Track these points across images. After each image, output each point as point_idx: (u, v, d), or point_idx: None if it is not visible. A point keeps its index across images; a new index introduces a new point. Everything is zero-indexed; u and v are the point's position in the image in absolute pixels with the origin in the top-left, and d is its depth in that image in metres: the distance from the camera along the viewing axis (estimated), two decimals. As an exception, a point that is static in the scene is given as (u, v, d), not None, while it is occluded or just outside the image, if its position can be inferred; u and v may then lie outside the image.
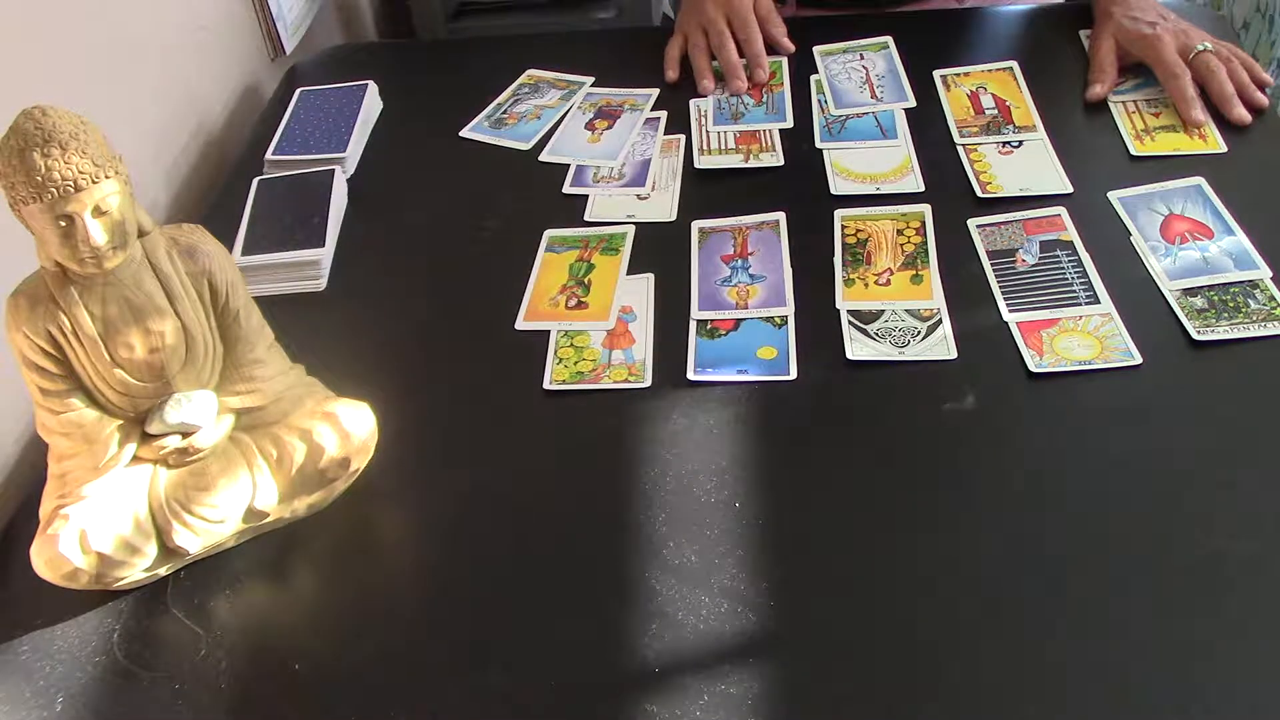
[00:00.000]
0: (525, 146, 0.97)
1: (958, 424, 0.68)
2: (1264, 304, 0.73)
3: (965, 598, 0.59)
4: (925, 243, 0.81)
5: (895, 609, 0.59)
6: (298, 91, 1.04)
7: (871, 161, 0.90)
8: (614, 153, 0.95)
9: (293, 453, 0.63)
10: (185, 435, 0.61)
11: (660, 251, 0.84)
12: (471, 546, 0.65)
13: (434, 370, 0.77)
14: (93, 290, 0.57)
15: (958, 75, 0.99)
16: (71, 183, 0.52)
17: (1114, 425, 0.67)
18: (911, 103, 0.96)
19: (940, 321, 0.75)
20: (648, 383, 0.73)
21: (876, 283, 0.78)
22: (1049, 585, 0.59)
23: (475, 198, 0.92)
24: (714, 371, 0.73)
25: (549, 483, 0.68)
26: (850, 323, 0.75)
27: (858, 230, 0.83)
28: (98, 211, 0.54)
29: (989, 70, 0.99)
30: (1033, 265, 0.78)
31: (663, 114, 0.99)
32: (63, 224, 0.53)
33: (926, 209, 0.84)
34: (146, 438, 0.62)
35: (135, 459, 0.62)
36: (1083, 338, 0.72)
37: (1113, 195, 0.83)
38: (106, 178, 0.54)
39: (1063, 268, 0.78)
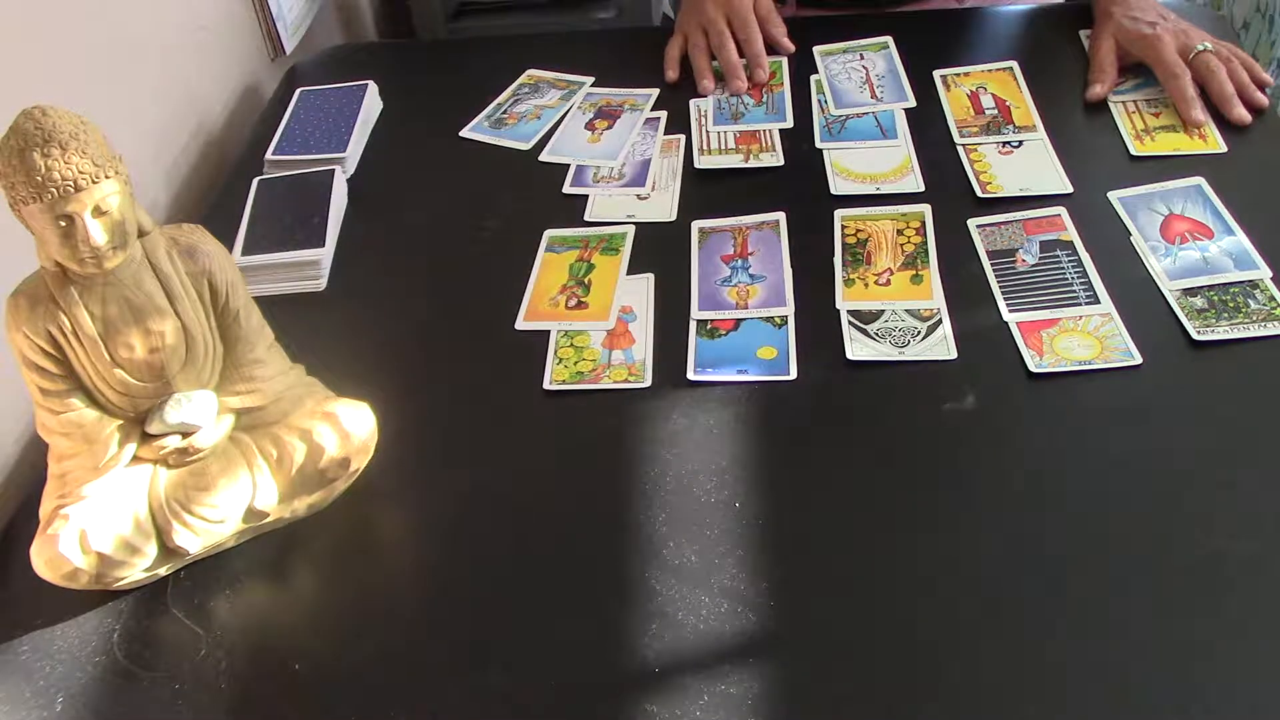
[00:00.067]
0: (525, 146, 0.97)
1: (958, 424, 0.68)
2: (1264, 304, 0.73)
3: (965, 598, 0.59)
4: (925, 243, 0.81)
5: (895, 609, 0.59)
6: (298, 91, 1.04)
7: (871, 161, 0.90)
8: (614, 153, 0.95)
9: (293, 453, 0.63)
10: (185, 435, 0.61)
11: (660, 251, 0.84)
12: (471, 546, 0.65)
13: (434, 370, 0.77)
14: (93, 290, 0.57)
15: (958, 75, 0.99)
16: (71, 183, 0.52)
17: (1114, 425, 0.67)
18: (911, 103, 0.96)
19: (940, 321, 0.75)
20: (648, 383, 0.73)
21: (876, 283, 0.78)
22: (1049, 585, 0.59)
23: (475, 198, 0.92)
24: (714, 371, 0.73)
25: (549, 483, 0.68)
26: (850, 323, 0.75)
27: (858, 230, 0.83)
28: (98, 211, 0.54)
29: (989, 70, 0.99)
30: (1033, 265, 0.78)
31: (663, 114, 0.99)
32: (63, 224, 0.53)
33: (926, 209, 0.84)
34: (146, 438, 0.62)
35: (135, 459, 0.62)
36: (1083, 338, 0.72)
37: (1113, 195, 0.83)
38: (106, 178, 0.54)
39: (1063, 268, 0.78)
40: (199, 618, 0.62)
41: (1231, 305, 0.73)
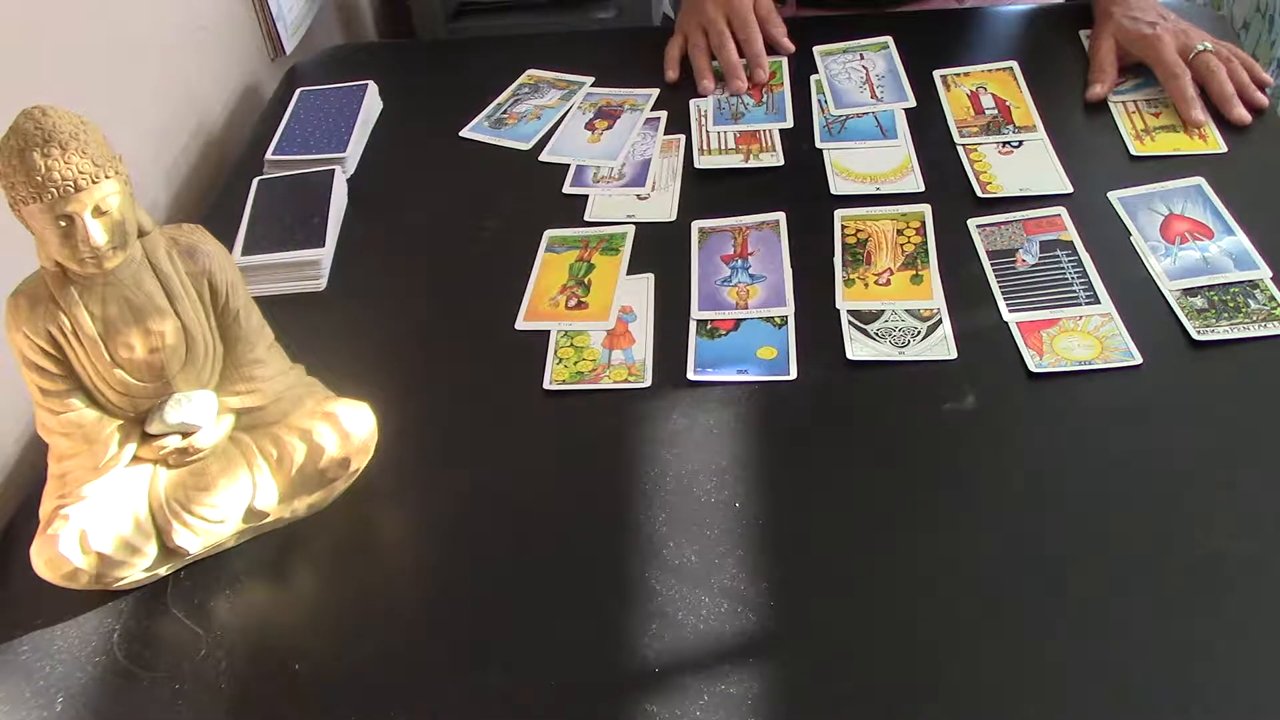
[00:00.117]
0: (525, 146, 0.97)
1: (958, 424, 0.68)
2: (1264, 304, 0.73)
3: (965, 598, 0.59)
4: (925, 243, 0.81)
5: (895, 609, 0.59)
6: (298, 91, 1.04)
7: (871, 161, 0.90)
8: (614, 153, 0.95)
9: (293, 453, 0.63)
10: (185, 435, 0.61)
11: (660, 251, 0.84)
12: (471, 546, 0.65)
13: (434, 370, 0.77)
14: (93, 290, 0.57)
15: (958, 75, 0.99)
16: (71, 183, 0.52)
17: (1114, 425, 0.67)
18: (911, 103, 0.96)
19: (940, 321, 0.75)
20: (648, 383, 0.73)
21: (876, 283, 0.78)
22: (1049, 585, 0.59)
23: (475, 198, 0.92)
24: (714, 371, 0.73)
25: (549, 483, 0.68)
26: (850, 323, 0.75)
27: (858, 230, 0.83)
28: (98, 211, 0.54)
29: (989, 70, 0.99)
30: (1033, 265, 0.78)
31: (663, 114, 0.99)
32: (63, 224, 0.53)
33: (926, 209, 0.84)
34: (146, 438, 0.62)
35: (135, 459, 0.62)
36: (1083, 338, 0.72)
37: (1113, 195, 0.83)
38: (106, 178, 0.54)
39: (1063, 268, 0.78)
40: (199, 618, 0.62)
41: (1231, 305, 0.73)
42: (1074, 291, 0.76)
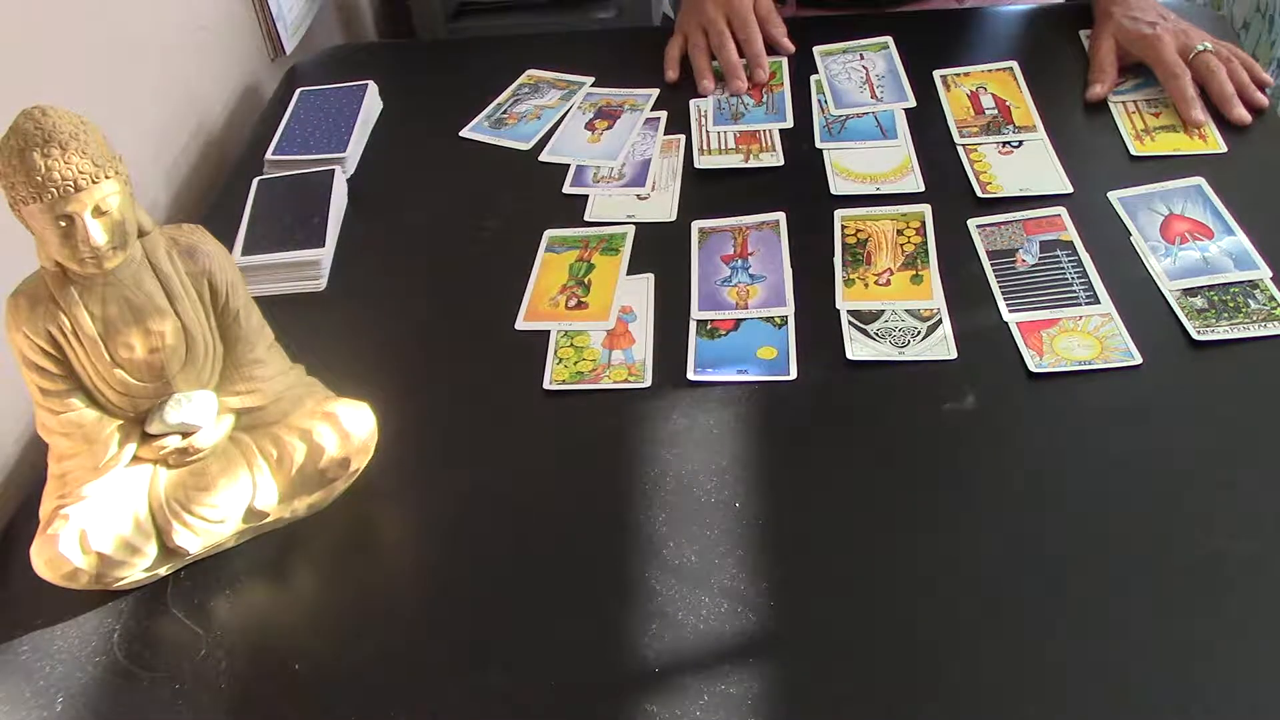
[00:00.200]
0: (525, 146, 0.97)
1: (958, 424, 0.68)
2: (1264, 304, 0.73)
3: (965, 598, 0.59)
4: (925, 243, 0.81)
5: (895, 609, 0.59)
6: (298, 91, 1.04)
7: (871, 161, 0.90)
8: (614, 153, 0.95)
9: (293, 453, 0.63)
10: (185, 435, 0.61)
11: (660, 251, 0.84)
12: (471, 546, 0.65)
13: (434, 370, 0.77)
14: (93, 290, 0.57)
15: (958, 75, 0.99)
16: (71, 183, 0.52)
17: (1114, 425, 0.67)
18: (911, 103, 0.96)
19: (940, 321, 0.75)
20: (648, 383, 0.73)
21: (876, 283, 0.78)
22: (1049, 585, 0.59)
23: (475, 198, 0.92)
24: (714, 371, 0.73)
25: (549, 483, 0.68)
26: (850, 323, 0.75)
27: (858, 230, 0.83)
28: (98, 211, 0.54)
29: (989, 70, 0.99)
30: (1033, 265, 0.78)
31: (663, 114, 0.99)
32: (63, 224, 0.53)
33: (926, 209, 0.84)
34: (146, 438, 0.62)
35: (135, 459, 0.62)
36: (1083, 338, 0.72)
37: (1113, 195, 0.83)
38: (106, 178, 0.54)
39: (1063, 268, 0.78)
40: (199, 618, 0.62)
41: (1231, 305, 0.73)
42: (1074, 292, 0.76)
